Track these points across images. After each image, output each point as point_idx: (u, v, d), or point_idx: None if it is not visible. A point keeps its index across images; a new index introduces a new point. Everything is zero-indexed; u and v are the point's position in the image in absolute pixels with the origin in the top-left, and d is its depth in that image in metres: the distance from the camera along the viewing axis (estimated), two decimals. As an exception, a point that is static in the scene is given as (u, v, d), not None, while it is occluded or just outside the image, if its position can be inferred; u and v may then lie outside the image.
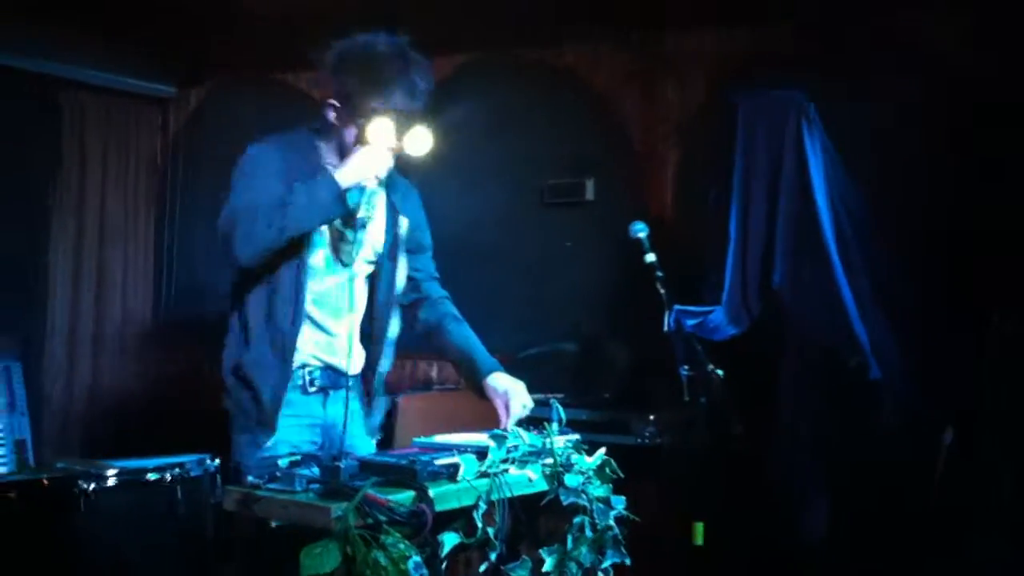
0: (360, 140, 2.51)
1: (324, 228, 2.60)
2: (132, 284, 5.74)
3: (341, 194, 2.48)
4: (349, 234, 2.65)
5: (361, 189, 2.56)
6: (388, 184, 2.70)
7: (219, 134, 5.60)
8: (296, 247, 2.53)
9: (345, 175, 2.48)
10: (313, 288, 2.62)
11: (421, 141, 2.54)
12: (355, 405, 2.74)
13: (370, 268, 2.75)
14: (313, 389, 2.67)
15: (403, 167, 2.69)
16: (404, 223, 2.76)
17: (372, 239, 2.72)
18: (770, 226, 3.65)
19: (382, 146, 2.50)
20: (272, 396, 2.58)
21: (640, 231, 3.06)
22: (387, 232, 2.74)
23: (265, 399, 2.57)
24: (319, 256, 2.62)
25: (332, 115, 2.59)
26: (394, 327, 2.80)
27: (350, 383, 2.69)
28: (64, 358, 5.39)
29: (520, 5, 4.31)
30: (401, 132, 2.51)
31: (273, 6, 4.36)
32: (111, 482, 2.87)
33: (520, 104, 4.84)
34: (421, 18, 4.59)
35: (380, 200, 2.74)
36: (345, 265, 2.65)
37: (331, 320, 2.67)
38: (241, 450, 2.63)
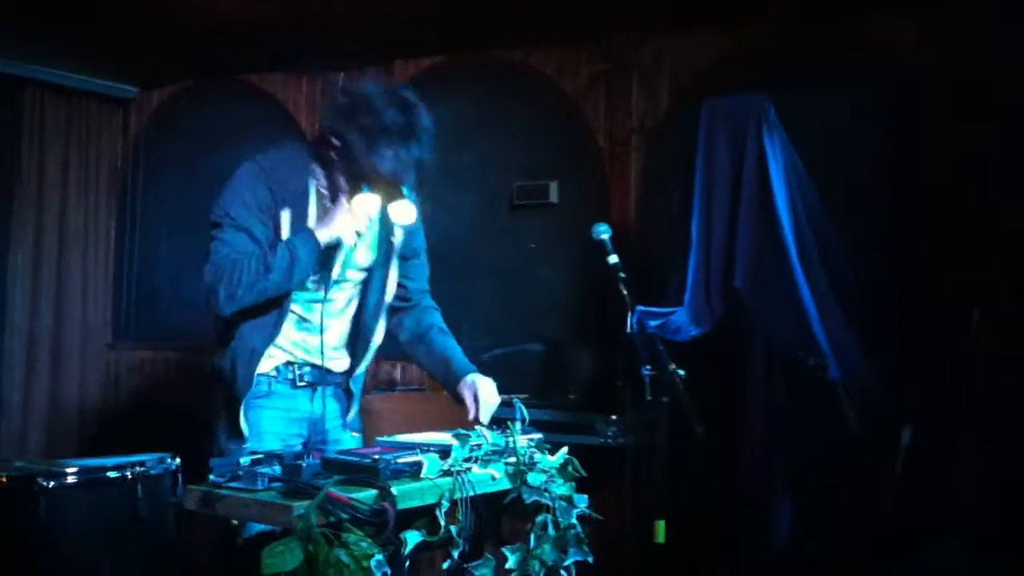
0: (347, 197, 2.54)
1: None
2: (92, 287, 5.66)
3: (321, 252, 2.55)
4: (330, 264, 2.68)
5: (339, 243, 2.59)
6: None
7: (181, 136, 5.55)
8: None
9: (325, 232, 2.55)
10: (303, 299, 2.67)
11: (405, 213, 2.59)
12: (335, 404, 2.81)
13: (362, 275, 2.77)
14: (302, 384, 2.72)
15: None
16: (399, 233, 2.78)
17: (359, 255, 2.74)
18: (731, 228, 3.68)
19: (364, 214, 2.54)
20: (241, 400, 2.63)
21: (603, 233, 3.08)
22: (380, 244, 2.76)
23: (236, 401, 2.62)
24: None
25: (332, 153, 2.59)
26: (379, 334, 2.84)
27: (337, 379, 2.79)
28: (23, 361, 5.32)
29: (487, 8, 4.31)
30: (388, 199, 2.54)
31: (236, 8, 4.33)
32: (71, 480, 2.85)
33: (487, 107, 4.84)
34: (386, 21, 4.62)
35: None
36: (336, 283, 2.70)
37: (325, 319, 2.70)
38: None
